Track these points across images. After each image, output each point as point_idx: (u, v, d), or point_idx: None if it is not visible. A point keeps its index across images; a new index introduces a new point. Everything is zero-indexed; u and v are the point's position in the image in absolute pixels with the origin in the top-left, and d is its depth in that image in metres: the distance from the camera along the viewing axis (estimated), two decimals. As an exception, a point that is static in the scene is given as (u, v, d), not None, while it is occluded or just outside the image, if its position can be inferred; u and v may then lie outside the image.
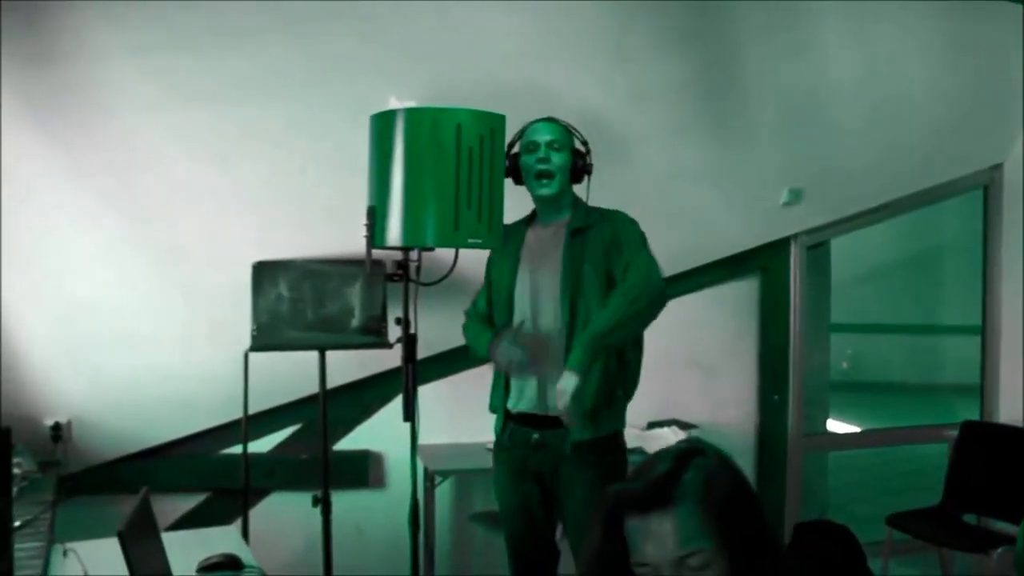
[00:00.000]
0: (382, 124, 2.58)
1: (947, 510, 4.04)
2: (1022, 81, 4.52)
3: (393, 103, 2.70)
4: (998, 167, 4.87)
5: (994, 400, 4.92)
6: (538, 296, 2.83)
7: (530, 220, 2.95)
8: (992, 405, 4.92)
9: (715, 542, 1.31)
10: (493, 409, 2.92)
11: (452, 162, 2.47)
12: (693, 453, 1.38)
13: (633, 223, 2.82)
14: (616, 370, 2.79)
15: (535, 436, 2.80)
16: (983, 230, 5.01)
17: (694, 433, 4.11)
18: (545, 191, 2.81)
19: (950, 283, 8.39)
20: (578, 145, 2.86)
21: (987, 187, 4.94)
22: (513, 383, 2.84)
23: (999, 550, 3.58)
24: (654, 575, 1.32)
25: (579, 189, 2.89)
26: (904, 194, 4.71)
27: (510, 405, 2.85)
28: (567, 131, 2.84)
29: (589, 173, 2.86)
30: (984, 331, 5.00)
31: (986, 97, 4.51)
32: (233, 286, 3.49)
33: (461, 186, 2.47)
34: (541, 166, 2.78)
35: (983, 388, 5.00)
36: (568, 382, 2.60)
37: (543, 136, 2.80)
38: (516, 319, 2.83)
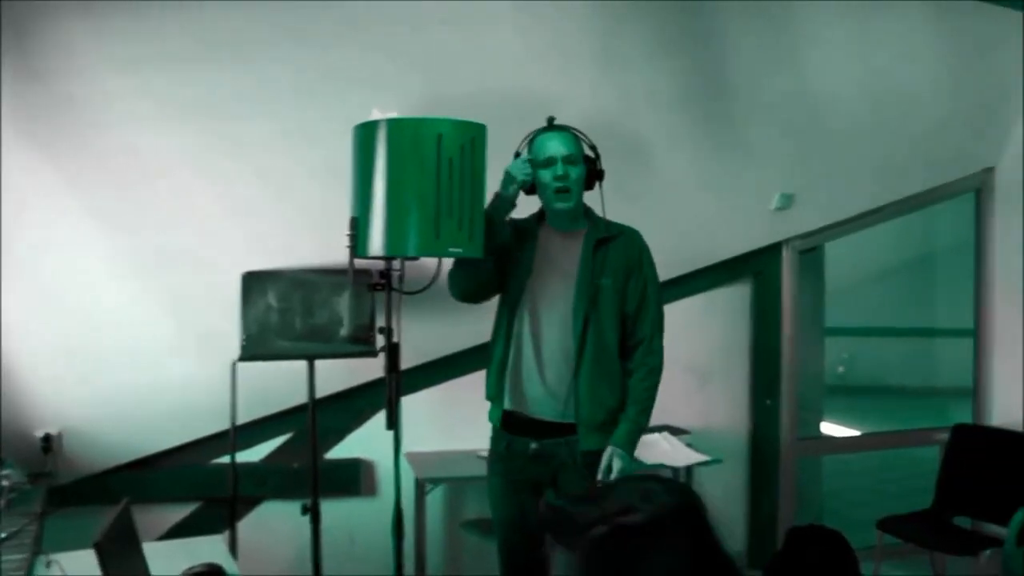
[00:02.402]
0: (364, 135, 2.60)
1: (938, 513, 4.04)
2: (1015, 85, 4.54)
3: (376, 114, 2.71)
4: (990, 170, 4.88)
5: (987, 403, 4.92)
6: (549, 305, 2.81)
7: (539, 220, 2.92)
8: (985, 408, 4.92)
9: None
10: (490, 398, 2.90)
11: (433, 172, 2.48)
12: (644, 497, 1.21)
13: (647, 250, 2.88)
14: (625, 387, 2.83)
15: (533, 446, 2.79)
16: (975, 233, 5.01)
17: (685, 439, 4.11)
18: (563, 206, 2.80)
19: (945, 286, 8.39)
20: (587, 150, 2.84)
21: (979, 190, 4.94)
22: (515, 391, 2.82)
23: (987, 552, 3.59)
24: None
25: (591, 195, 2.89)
26: (897, 198, 4.72)
27: (507, 405, 2.83)
28: (577, 139, 2.82)
29: (601, 179, 2.86)
30: (977, 334, 5.00)
31: (978, 101, 4.52)
32: (223, 297, 3.51)
33: (442, 196, 2.49)
34: (560, 183, 2.76)
35: (976, 391, 5.00)
36: (618, 463, 2.71)
37: (559, 150, 2.77)
38: (521, 326, 2.82)
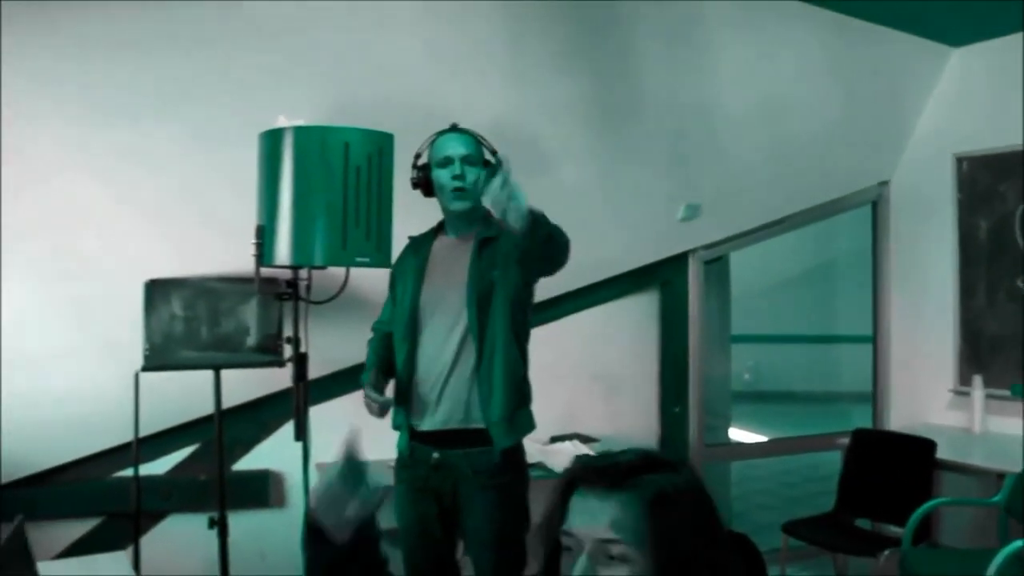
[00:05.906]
0: (271, 142, 2.58)
1: (839, 516, 4.16)
2: (907, 102, 4.73)
3: (282, 121, 2.69)
4: (885, 183, 5.06)
5: (885, 407, 5.09)
6: (443, 310, 2.76)
7: (437, 232, 2.89)
8: (883, 412, 5.09)
9: (645, 549, 1.27)
10: (396, 427, 2.87)
11: (340, 181, 2.48)
12: (670, 465, 1.35)
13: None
14: (523, 370, 2.78)
15: (435, 456, 2.76)
16: (872, 243, 5.20)
17: (596, 447, 4.15)
18: (460, 205, 2.75)
19: (844, 294, 8.66)
20: (487, 156, 2.81)
21: (875, 202, 5.13)
22: (416, 401, 2.78)
23: (885, 552, 3.70)
24: (575, 547, 1.31)
25: None
26: (798, 209, 4.87)
27: (414, 423, 2.80)
28: (478, 142, 2.80)
29: None
30: (875, 340, 5.18)
31: (873, 117, 4.70)
32: (124, 305, 3.41)
33: (349, 205, 2.48)
34: (457, 182, 2.72)
35: (875, 396, 5.17)
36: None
37: (457, 150, 2.74)
38: (422, 334, 2.78)
